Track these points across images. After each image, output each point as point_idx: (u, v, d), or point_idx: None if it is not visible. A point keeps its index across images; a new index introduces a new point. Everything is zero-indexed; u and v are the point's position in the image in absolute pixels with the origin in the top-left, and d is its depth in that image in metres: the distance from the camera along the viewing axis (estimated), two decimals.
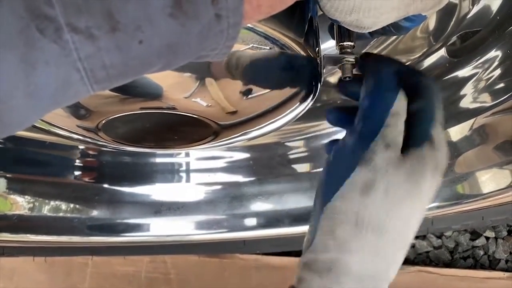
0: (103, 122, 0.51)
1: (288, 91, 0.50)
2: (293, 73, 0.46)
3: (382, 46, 0.72)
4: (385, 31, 0.41)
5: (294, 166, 0.88)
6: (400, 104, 0.38)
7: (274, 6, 0.29)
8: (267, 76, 0.46)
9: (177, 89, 0.47)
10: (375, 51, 0.72)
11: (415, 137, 0.38)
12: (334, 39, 0.47)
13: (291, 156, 0.88)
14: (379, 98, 0.39)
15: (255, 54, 0.44)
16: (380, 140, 0.37)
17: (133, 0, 0.23)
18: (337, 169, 0.39)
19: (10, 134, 0.27)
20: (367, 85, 0.40)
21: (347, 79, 0.45)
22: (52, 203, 0.83)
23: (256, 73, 0.46)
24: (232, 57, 0.43)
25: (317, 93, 0.50)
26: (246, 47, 0.43)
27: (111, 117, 0.50)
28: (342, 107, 0.46)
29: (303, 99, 0.51)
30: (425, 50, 0.71)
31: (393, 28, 0.41)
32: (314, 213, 0.40)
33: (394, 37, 0.70)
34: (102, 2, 0.23)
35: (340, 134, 0.83)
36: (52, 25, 0.22)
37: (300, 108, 0.53)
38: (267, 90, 0.49)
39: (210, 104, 0.49)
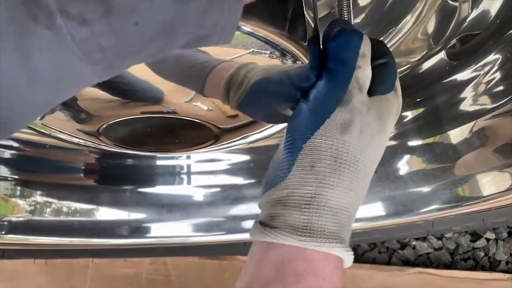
0: (104, 126, 0.51)
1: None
2: (296, 78, 0.46)
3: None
4: None
5: None
6: (366, 46, 0.42)
7: None
8: (270, 91, 0.46)
9: (178, 94, 0.47)
10: None
11: (384, 84, 0.42)
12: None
13: None
14: (348, 39, 0.41)
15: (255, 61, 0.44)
16: (354, 83, 0.40)
17: None
18: (317, 110, 0.41)
19: (21, 128, 0.26)
20: (333, 31, 0.42)
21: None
22: (53, 205, 0.83)
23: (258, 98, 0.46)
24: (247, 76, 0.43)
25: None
26: (247, 52, 0.43)
27: (112, 121, 0.50)
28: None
29: None
30: (424, 52, 0.71)
31: None
32: (285, 151, 0.41)
33: (397, 38, 0.70)
34: None
35: None
36: (44, 11, 0.22)
37: None
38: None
39: (210, 108, 0.49)
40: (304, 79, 0.43)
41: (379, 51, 0.43)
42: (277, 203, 0.40)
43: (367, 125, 0.40)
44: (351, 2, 0.46)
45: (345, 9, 0.46)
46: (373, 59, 0.43)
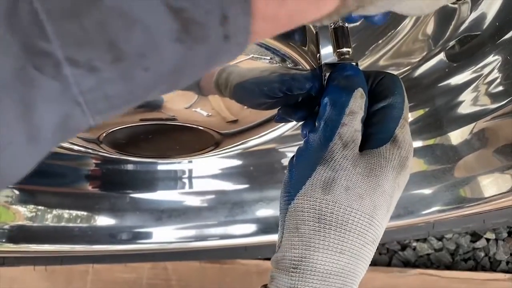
0: (104, 134, 0.51)
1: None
2: (295, 83, 0.46)
3: (386, 49, 0.72)
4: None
5: None
6: (356, 103, 0.40)
7: (293, 17, 0.27)
8: (268, 89, 0.46)
9: (177, 100, 0.47)
10: (378, 54, 0.72)
11: (376, 135, 0.40)
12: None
13: None
14: (333, 96, 0.40)
15: (257, 67, 0.44)
16: (337, 140, 0.39)
17: (137, 27, 0.22)
18: (300, 169, 0.40)
19: (7, 186, 0.26)
20: (326, 87, 0.42)
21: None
22: (54, 212, 0.83)
23: (258, 87, 0.46)
24: (224, 74, 0.43)
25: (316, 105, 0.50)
26: (246, 58, 0.43)
27: (112, 129, 0.50)
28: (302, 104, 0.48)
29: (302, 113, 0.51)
30: (424, 54, 0.71)
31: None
32: (281, 213, 0.41)
33: (396, 40, 0.70)
34: (103, 32, 0.21)
35: None
36: (50, 61, 0.21)
37: None
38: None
39: (210, 114, 0.49)
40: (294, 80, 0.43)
41: (383, 91, 0.41)
42: (275, 265, 0.40)
43: (354, 183, 0.38)
44: (348, 32, 0.46)
45: (340, 40, 0.46)
46: (375, 101, 0.41)
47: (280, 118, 0.49)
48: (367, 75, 0.43)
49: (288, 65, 0.45)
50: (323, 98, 0.41)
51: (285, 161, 0.88)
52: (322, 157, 0.39)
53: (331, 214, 0.38)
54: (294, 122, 0.54)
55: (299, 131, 0.81)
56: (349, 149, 0.39)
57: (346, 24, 0.46)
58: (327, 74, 0.45)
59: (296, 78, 0.45)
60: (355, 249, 0.38)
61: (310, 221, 0.38)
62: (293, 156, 0.42)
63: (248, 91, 0.46)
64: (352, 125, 0.39)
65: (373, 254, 0.40)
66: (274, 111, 0.51)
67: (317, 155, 0.39)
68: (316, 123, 0.41)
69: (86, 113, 0.23)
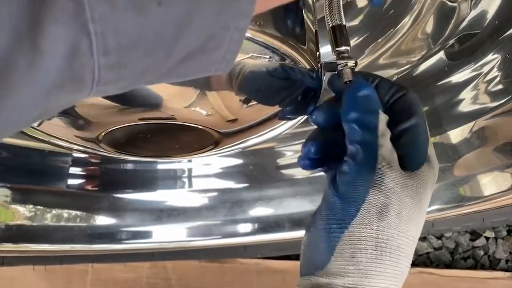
0: (104, 133, 0.51)
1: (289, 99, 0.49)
2: (294, 82, 0.46)
3: (385, 48, 0.72)
4: None
5: (294, 170, 0.88)
6: (383, 124, 0.40)
7: None
8: (268, 87, 0.46)
9: (177, 99, 0.47)
10: (378, 52, 0.72)
11: (412, 157, 0.40)
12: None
13: (291, 161, 0.87)
14: (362, 119, 0.39)
15: (254, 65, 0.43)
16: (382, 162, 0.38)
17: None
18: (350, 196, 0.39)
19: (9, 133, 0.25)
20: (347, 107, 0.41)
21: (348, 83, 0.45)
22: (53, 211, 0.83)
23: (255, 85, 0.46)
24: (231, 70, 0.43)
25: (318, 100, 0.50)
26: (245, 57, 0.43)
27: (111, 129, 0.50)
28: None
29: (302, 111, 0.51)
30: (424, 53, 0.71)
31: None
32: (323, 239, 0.40)
33: (395, 38, 0.70)
34: None
35: None
36: None
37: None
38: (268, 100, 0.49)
39: (210, 113, 0.49)
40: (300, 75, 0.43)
41: (405, 110, 0.41)
42: None
43: (404, 206, 0.38)
44: (341, 4, 0.46)
45: (335, 11, 0.46)
46: (398, 120, 0.41)
47: (283, 116, 0.49)
48: (383, 89, 0.42)
49: (288, 63, 0.45)
50: (345, 117, 0.40)
51: (285, 160, 0.88)
52: (373, 180, 0.38)
53: (387, 241, 0.38)
54: (294, 121, 0.54)
55: (299, 130, 0.82)
56: (394, 170, 0.38)
57: (344, 23, 0.46)
58: (326, 73, 0.45)
59: (298, 75, 0.45)
60: (405, 272, 0.39)
61: (368, 249, 0.38)
62: (335, 183, 0.41)
63: (256, 85, 0.46)
64: (387, 146, 0.39)
65: None
66: (274, 110, 0.51)
67: (366, 180, 0.38)
68: (349, 147, 0.40)
69: (94, 51, 0.22)
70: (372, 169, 0.38)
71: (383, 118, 0.40)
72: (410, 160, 0.40)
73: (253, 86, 0.46)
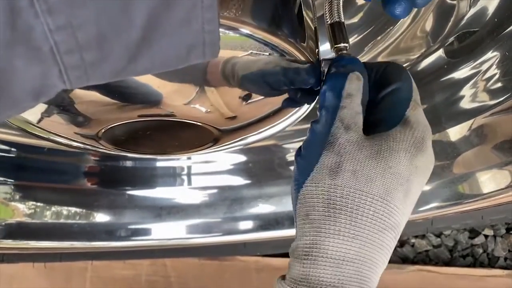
0: (103, 130, 0.51)
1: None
2: (293, 78, 0.46)
3: (384, 45, 0.72)
4: None
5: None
6: (352, 85, 0.40)
7: None
8: (267, 83, 0.46)
9: (176, 96, 0.47)
10: (377, 50, 0.72)
11: (385, 119, 0.40)
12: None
13: (290, 158, 0.88)
14: (330, 82, 0.41)
15: (253, 61, 0.44)
16: (338, 123, 0.39)
17: None
18: (306, 158, 0.40)
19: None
20: (324, 80, 0.43)
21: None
22: (53, 209, 0.83)
23: (255, 80, 0.46)
24: (229, 64, 0.43)
25: (317, 97, 0.50)
26: (245, 54, 0.43)
27: (111, 125, 0.50)
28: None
29: (303, 104, 0.51)
30: (423, 50, 0.71)
31: None
32: (293, 203, 0.41)
33: (395, 36, 0.70)
34: None
35: None
36: None
37: (300, 112, 0.53)
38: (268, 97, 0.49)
39: (209, 110, 0.49)
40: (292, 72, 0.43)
41: (388, 78, 0.41)
42: (291, 255, 0.40)
43: (362, 166, 0.37)
44: (340, 1, 0.46)
45: (334, 8, 0.46)
46: (381, 88, 0.41)
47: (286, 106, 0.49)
48: (370, 66, 0.43)
49: (287, 60, 0.45)
50: (321, 88, 0.42)
51: (285, 158, 0.88)
52: (326, 142, 0.39)
53: (341, 199, 0.37)
54: (294, 118, 0.54)
55: (298, 128, 0.82)
56: (352, 131, 0.38)
57: (343, 20, 0.46)
58: (326, 70, 0.45)
59: (297, 72, 0.45)
60: (370, 235, 0.37)
61: (319, 206, 0.37)
62: (299, 147, 0.42)
63: (253, 82, 0.46)
64: (352, 107, 0.39)
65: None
66: (274, 108, 0.51)
67: (321, 141, 0.39)
68: (317, 113, 0.41)
69: (37, 9, 0.22)
70: (327, 131, 0.39)
71: (354, 79, 0.40)
72: (381, 124, 0.40)
73: (250, 82, 0.46)
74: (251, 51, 0.42)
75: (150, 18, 0.25)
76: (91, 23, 0.24)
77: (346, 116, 0.39)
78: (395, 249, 1.18)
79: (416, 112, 0.40)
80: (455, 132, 0.74)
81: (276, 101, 0.50)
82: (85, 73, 0.25)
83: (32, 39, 0.23)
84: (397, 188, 0.38)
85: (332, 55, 0.47)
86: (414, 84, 0.42)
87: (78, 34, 0.24)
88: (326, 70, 0.45)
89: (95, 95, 0.45)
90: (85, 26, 0.24)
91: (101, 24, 0.24)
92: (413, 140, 0.39)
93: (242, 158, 0.88)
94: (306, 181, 0.39)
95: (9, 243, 0.80)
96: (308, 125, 0.87)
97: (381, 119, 0.40)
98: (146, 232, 0.88)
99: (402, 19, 0.68)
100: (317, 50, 0.47)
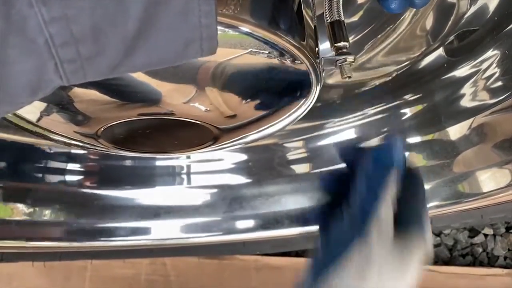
0: (103, 129, 0.51)
1: (288, 95, 0.49)
2: (293, 78, 0.46)
3: (384, 44, 0.71)
4: None
5: (293, 167, 0.88)
6: (391, 184, 0.39)
7: None
8: (267, 83, 0.46)
9: (176, 95, 0.47)
10: (377, 49, 0.72)
11: (404, 223, 0.39)
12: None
13: (290, 157, 0.87)
14: (368, 181, 0.39)
15: (253, 61, 0.43)
16: (375, 221, 0.37)
17: None
18: (333, 245, 0.39)
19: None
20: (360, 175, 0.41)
21: (347, 78, 0.46)
22: (52, 208, 0.83)
23: (255, 80, 0.46)
24: (229, 67, 0.43)
25: (316, 96, 0.50)
26: (245, 52, 0.42)
27: (110, 124, 0.50)
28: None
29: (303, 102, 0.51)
30: (423, 49, 0.71)
31: None
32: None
33: (395, 35, 0.70)
34: None
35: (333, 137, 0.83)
36: None
37: (300, 111, 0.53)
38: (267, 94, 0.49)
39: (209, 109, 0.49)
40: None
41: (408, 184, 0.41)
42: None
43: (386, 266, 0.37)
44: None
45: (334, 7, 0.46)
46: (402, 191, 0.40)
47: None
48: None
49: (287, 60, 0.44)
50: (360, 175, 0.40)
51: (284, 157, 0.88)
52: (359, 234, 0.37)
53: None
54: (294, 117, 0.54)
55: (298, 126, 0.82)
56: (384, 232, 0.38)
57: (343, 18, 0.46)
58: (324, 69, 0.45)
59: (294, 75, 0.45)
60: None
61: None
62: (322, 182, 0.41)
63: (242, 85, 0.46)
64: (388, 217, 0.38)
65: None
66: (274, 107, 0.51)
67: (352, 237, 0.37)
68: (352, 201, 0.40)
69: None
70: (362, 231, 0.37)
71: (393, 177, 0.39)
72: (402, 224, 0.39)
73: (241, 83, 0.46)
74: (250, 49, 0.42)
75: (146, 9, 0.25)
76: (86, 14, 0.23)
77: (382, 215, 0.38)
78: None
79: (427, 218, 0.40)
80: (455, 131, 0.74)
81: (276, 100, 0.50)
82: (81, 67, 0.25)
83: (26, 30, 0.22)
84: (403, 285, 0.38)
85: (332, 53, 0.47)
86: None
87: (73, 26, 0.23)
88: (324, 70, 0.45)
89: (95, 94, 0.45)
90: (80, 17, 0.23)
91: (97, 16, 0.24)
92: (425, 246, 0.39)
93: (242, 157, 0.88)
94: (330, 273, 0.37)
95: (8, 242, 0.80)
96: (308, 124, 0.87)
97: (400, 221, 0.39)
98: (145, 231, 0.88)
99: (402, 18, 0.68)
100: (317, 48, 0.47)
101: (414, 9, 0.67)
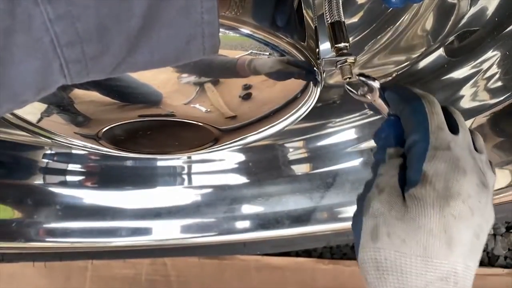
0: (103, 130, 0.51)
1: (288, 96, 0.49)
2: (293, 79, 0.46)
3: (384, 45, 0.71)
4: None
5: (294, 167, 0.88)
6: (391, 157, 0.42)
7: None
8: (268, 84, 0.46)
9: (176, 96, 0.47)
10: (377, 49, 0.72)
11: (409, 176, 0.40)
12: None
13: (291, 157, 0.88)
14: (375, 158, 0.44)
15: (254, 61, 0.43)
16: (374, 189, 0.41)
17: None
18: (356, 226, 0.42)
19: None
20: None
21: (347, 79, 0.46)
22: (53, 208, 0.83)
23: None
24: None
25: (317, 97, 0.50)
26: (245, 53, 0.42)
27: (111, 126, 0.50)
28: None
29: (304, 103, 0.51)
30: (423, 49, 0.71)
31: None
32: None
33: (395, 35, 0.70)
34: None
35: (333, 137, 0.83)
36: None
37: (301, 112, 0.53)
38: (267, 95, 0.49)
39: (209, 110, 0.49)
40: None
41: (407, 128, 0.43)
42: None
43: (393, 227, 0.38)
44: (340, 0, 0.46)
45: (334, 8, 0.46)
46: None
47: None
48: (394, 107, 0.45)
49: (287, 61, 0.44)
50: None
51: (284, 157, 0.88)
52: (364, 206, 0.41)
53: (385, 261, 0.38)
54: (294, 118, 0.54)
55: (298, 126, 0.82)
56: (384, 193, 0.40)
57: (343, 19, 0.46)
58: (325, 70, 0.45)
59: (294, 75, 0.45)
60: None
61: (371, 270, 0.39)
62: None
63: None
64: (388, 174, 0.41)
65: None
66: (274, 107, 0.51)
67: (360, 208, 0.42)
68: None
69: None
70: (363, 197, 0.41)
71: (392, 152, 0.42)
72: (407, 181, 0.40)
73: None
74: (251, 50, 0.42)
75: (149, 6, 0.25)
76: (91, 12, 0.23)
77: (381, 182, 0.40)
78: None
79: (434, 162, 0.39)
80: None
81: (277, 100, 0.50)
82: (85, 67, 0.25)
83: (32, 28, 0.22)
84: (435, 243, 0.37)
85: (332, 54, 0.47)
86: (433, 126, 0.41)
87: (78, 24, 0.23)
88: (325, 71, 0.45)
89: (95, 95, 0.45)
90: (85, 15, 0.23)
91: (101, 13, 0.24)
92: (436, 193, 0.38)
93: (242, 157, 0.88)
94: (357, 248, 0.41)
95: (9, 242, 0.80)
96: (308, 124, 0.87)
97: (406, 176, 0.40)
98: (146, 231, 0.88)
99: (402, 18, 0.68)
100: (317, 49, 0.47)
101: (414, 10, 0.67)
